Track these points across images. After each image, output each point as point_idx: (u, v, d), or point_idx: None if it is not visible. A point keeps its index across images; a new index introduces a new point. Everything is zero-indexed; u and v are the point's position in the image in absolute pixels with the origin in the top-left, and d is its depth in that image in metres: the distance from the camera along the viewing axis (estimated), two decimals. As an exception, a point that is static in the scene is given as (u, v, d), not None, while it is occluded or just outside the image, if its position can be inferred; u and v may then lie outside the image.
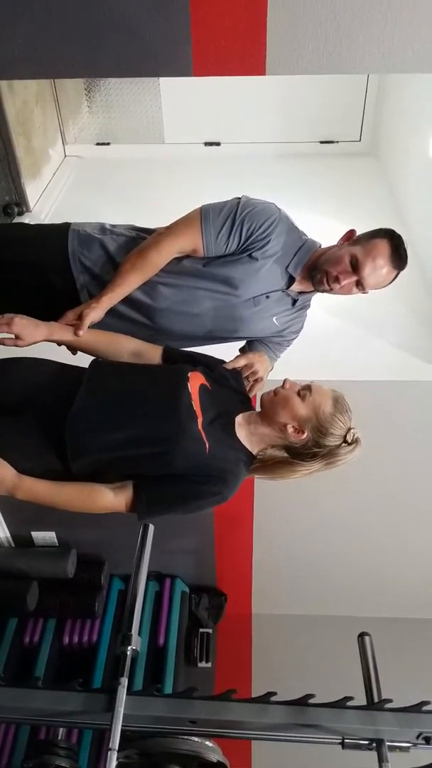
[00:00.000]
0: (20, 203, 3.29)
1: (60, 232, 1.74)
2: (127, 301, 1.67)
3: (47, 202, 3.50)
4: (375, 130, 3.96)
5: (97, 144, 4.08)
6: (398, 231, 1.68)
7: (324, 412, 1.42)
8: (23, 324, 1.45)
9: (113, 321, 1.67)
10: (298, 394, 1.46)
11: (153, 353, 1.61)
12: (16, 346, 1.47)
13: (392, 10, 1.57)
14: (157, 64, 1.68)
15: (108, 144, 4.08)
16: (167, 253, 1.63)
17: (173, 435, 1.38)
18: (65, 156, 4.04)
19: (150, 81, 3.76)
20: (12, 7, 1.62)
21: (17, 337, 1.46)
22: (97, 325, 1.62)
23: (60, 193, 3.68)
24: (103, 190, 3.55)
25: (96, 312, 1.56)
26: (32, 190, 3.39)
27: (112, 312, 1.64)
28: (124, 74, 1.74)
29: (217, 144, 4.04)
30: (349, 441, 1.44)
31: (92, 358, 1.63)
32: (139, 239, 1.72)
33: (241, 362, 1.70)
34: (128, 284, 1.62)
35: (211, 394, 1.50)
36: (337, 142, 4.03)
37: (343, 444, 1.44)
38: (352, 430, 1.44)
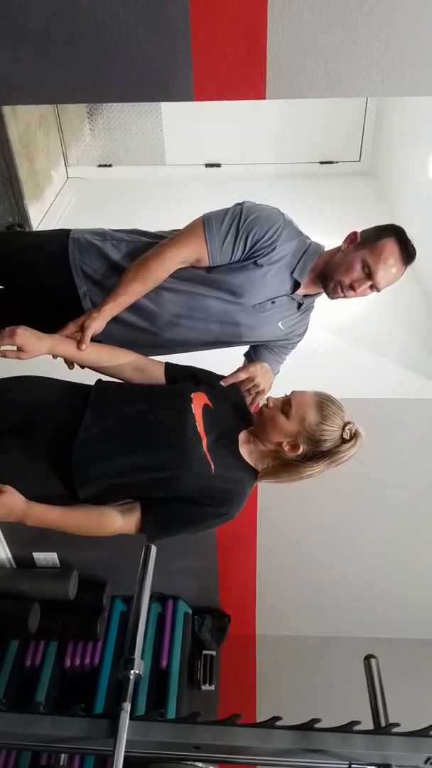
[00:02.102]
0: (23, 224, 3.32)
1: (60, 239, 1.73)
2: (131, 307, 1.65)
3: (50, 223, 3.53)
4: (374, 151, 4.01)
5: (99, 166, 4.13)
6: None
7: (310, 423, 1.41)
8: (26, 336, 1.42)
9: (116, 328, 1.66)
10: (282, 410, 1.44)
11: (155, 369, 1.61)
12: (19, 358, 1.43)
13: (390, 34, 1.59)
14: (159, 89, 1.70)
15: (110, 166, 4.13)
16: (171, 263, 1.62)
17: (179, 460, 1.38)
18: (68, 178, 4.09)
19: (151, 104, 3.82)
20: (15, 34, 1.65)
21: (19, 350, 1.42)
22: (101, 332, 1.60)
23: (62, 214, 3.72)
24: (104, 211, 3.58)
25: (97, 323, 1.53)
26: (35, 212, 3.42)
27: (115, 318, 1.62)
28: (127, 100, 1.76)
29: (218, 165, 4.08)
30: (347, 438, 1.43)
31: (96, 374, 1.62)
32: (140, 244, 1.71)
33: (242, 376, 1.68)
34: (130, 294, 1.60)
35: (213, 414, 1.50)
36: (337, 162, 4.07)
37: (342, 443, 1.43)
38: (347, 427, 1.43)
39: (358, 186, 3.94)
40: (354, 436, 1.43)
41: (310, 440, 1.42)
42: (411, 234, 1.65)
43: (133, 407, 1.49)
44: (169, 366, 1.62)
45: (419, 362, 2.62)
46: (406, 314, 2.84)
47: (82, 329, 1.52)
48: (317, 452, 1.43)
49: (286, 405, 1.45)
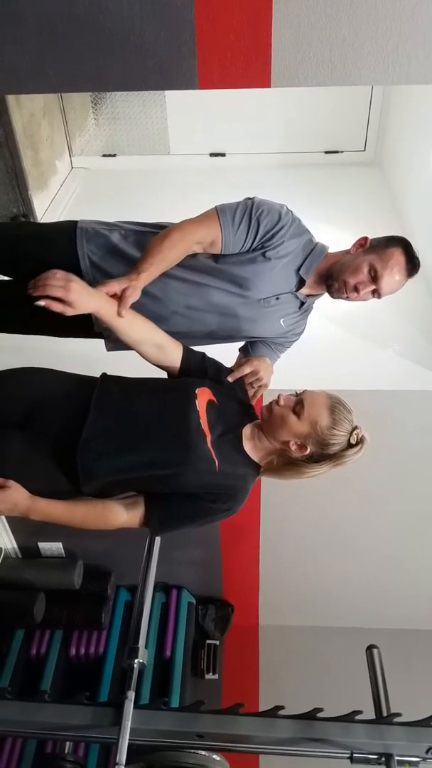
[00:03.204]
0: (27, 214, 3.31)
1: (67, 228, 1.73)
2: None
3: (54, 213, 3.52)
4: (380, 140, 3.97)
5: (104, 156, 4.11)
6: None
7: (321, 426, 1.40)
8: (78, 290, 1.33)
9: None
10: (294, 410, 1.43)
11: (174, 351, 1.56)
12: (64, 313, 1.35)
13: (397, 22, 1.57)
14: (163, 78, 1.69)
15: (114, 155, 4.11)
16: (191, 237, 1.59)
17: (183, 458, 1.38)
18: (72, 168, 4.08)
19: (156, 93, 3.79)
20: (19, 23, 1.64)
21: (65, 303, 1.33)
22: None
23: (67, 204, 3.70)
24: (109, 201, 3.58)
25: (136, 292, 1.46)
26: (39, 202, 3.41)
27: None
28: (131, 88, 1.75)
29: (222, 155, 4.05)
30: (354, 443, 1.42)
31: (100, 367, 1.61)
32: (148, 234, 1.71)
33: (247, 370, 1.67)
34: (164, 261, 1.54)
35: (218, 410, 1.49)
36: (342, 152, 4.04)
37: (348, 447, 1.43)
38: (355, 432, 1.42)
39: (362, 176, 3.91)
40: (360, 441, 1.43)
41: (319, 443, 1.41)
42: (412, 230, 1.66)
43: (136, 404, 1.47)
44: (187, 351, 1.58)
45: (422, 354, 2.61)
46: (410, 306, 2.82)
47: (121, 297, 1.43)
48: (324, 455, 1.43)
49: (298, 405, 1.43)
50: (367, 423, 1.47)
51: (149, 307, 1.70)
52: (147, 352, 1.55)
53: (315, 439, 1.41)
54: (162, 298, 1.69)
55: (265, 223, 1.62)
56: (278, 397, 1.48)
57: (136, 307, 1.68)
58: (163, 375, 1.61)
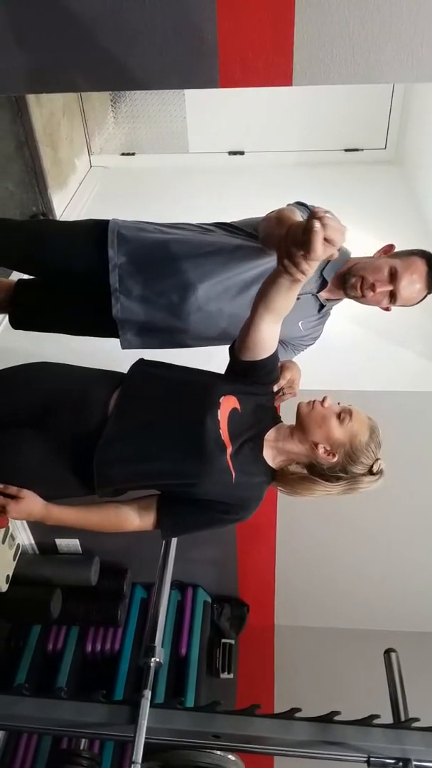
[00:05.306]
0: (47, 213, 3.34)
1: (95, 227, 1.72)
2: (160, 286, 1.67)
3: (73, 211, 3.54)
4: (400, 138, 3.94)
5: (123, 154, 4.13)
6: (422, 238, 1.66)
7: (360, 440, 1.39)
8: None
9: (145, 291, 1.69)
10: (338, 415, 1.41)
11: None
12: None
13: (421, 18, 1.55)
14: (184, 76, 1.69)
15: (133, 154, 4.12)
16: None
17: (200, 471, 1.36)
18: (91, 166, 4.10)
19: (175, 91, 3.79)
20: (39, 23, 1.64)
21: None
22: (138, 299, 1.67)
23: (86, 202, 3.72)
24: (128, 200, 3.58)
25: None
26: (59, 200, 3.43)
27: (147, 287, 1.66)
28: (151, 87, 1.75)
29: (241, 153, 4.05)
30: (375, 471, 1.42)
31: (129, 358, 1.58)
32: (178, 230, 1.72)
33: (288, 376, 1.68)
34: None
35: (241, 417, 1.44)
36: (362, 150, 4.01)
37: (368, 474, 1.42)
38: (379, 461, 1.42)
39: (383, 174, 3.87)
40: (380, 471, 1.43)
41: (349, 456, 1.40)
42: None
43: (159, 411, 1.44)
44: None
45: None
46: (430, 305, 2.79)
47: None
48: (346, 470, 1.41)
49: (344, 413, 1.41)
50: (385, 424, 1.46)
51: (169, 302, 1.69)
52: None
53: (347, 451, 1.39)
54: (181, 300, 1.69)
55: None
56: (324, 398, 1.45)
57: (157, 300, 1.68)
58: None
